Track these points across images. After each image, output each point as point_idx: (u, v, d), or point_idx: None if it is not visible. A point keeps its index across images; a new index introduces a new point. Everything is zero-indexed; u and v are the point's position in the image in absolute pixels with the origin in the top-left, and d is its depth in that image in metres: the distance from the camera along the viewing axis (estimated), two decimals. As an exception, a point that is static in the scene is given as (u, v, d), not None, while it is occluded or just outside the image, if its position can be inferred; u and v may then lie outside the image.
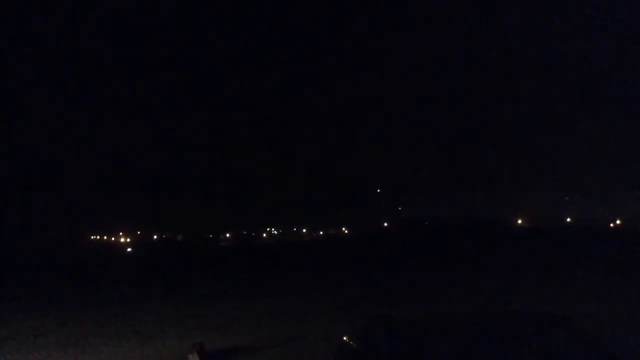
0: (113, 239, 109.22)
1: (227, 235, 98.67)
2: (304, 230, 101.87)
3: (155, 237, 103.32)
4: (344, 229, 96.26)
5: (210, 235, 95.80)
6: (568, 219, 79.66)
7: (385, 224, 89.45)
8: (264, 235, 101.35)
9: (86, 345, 15.96)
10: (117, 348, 15.56)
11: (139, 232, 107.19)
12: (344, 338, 10.08)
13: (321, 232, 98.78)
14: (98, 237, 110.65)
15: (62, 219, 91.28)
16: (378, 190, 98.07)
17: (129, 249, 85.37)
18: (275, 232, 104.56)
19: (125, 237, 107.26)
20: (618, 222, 74.52)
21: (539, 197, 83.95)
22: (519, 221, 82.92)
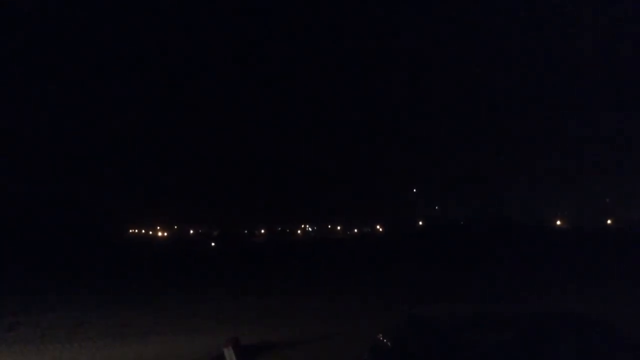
0: (151, 232, 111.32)
1: (262, 231, 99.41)
2: (339, 228, 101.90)
3: (191, 231, 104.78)
4: (378, 227, 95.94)
5: (245, 231, 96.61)
6: (609, 221, 77.56)
7: (420, 223, 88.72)
8: (299, 232, 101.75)
9: (123, 337, 16.34)
10: (153, 340, 15.89)
11: (175, 227, 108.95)
12: (378, 336, 10.06)
13: (355, 230, 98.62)
14: (136, 230, 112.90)
15: (102, 213, 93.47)
16: (414, 190, 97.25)
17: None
18: (309, 229, 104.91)
19: (163, 231, 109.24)
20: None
21: (579, 199, 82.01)
22: (558, 222, 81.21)
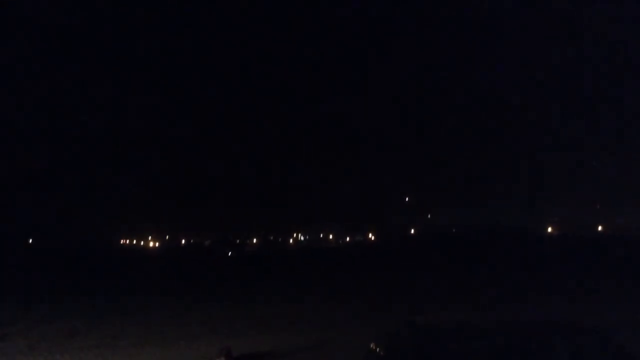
0: (142, 242, 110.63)
1: (254, 240, 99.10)
2: (331, 237, 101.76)
3: (183, 241, 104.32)
4: (370, 235, 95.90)
5: (237, 241, 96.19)
6: (599, 228, 77.93)
7: (412, 231, 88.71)
8: (291, 241, 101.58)
9: (116, 347, 16.22)
10: (145, 351, 15.78)
11: (167, 237, 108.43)
12: (371, 344, 10.06)
13: (348, 239, 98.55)
14: (128, 241, 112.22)
15: (92, 222, 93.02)
16: (406, 199, 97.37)
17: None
18: (302, 237, 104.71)
19: (154, 241, 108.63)
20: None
21: (570, 205, 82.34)
22: (549, 229, 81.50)
